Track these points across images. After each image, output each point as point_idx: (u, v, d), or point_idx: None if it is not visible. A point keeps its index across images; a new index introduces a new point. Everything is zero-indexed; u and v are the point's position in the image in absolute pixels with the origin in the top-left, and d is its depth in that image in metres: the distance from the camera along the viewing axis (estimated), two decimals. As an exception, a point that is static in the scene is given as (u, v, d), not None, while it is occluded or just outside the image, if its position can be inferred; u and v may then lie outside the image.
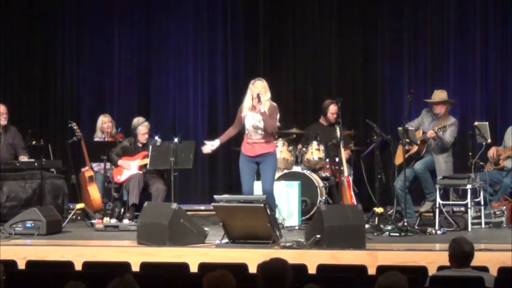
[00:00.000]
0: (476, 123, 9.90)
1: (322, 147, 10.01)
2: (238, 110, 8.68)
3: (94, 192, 10.26)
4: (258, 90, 8.45)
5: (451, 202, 9.44)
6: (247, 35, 11.86)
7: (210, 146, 8.70)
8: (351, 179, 10.01)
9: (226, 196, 8.34)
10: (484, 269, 5.89)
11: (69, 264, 6.61)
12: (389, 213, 9.62)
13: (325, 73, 11.69)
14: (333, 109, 10.47)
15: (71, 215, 9.96)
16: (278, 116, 8.65)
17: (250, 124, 8.49)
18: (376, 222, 8.94)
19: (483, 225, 9.16)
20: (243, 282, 5.18)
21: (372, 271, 6.15)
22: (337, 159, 10.00)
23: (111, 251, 7.89)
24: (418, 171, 9.53)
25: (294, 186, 9.55)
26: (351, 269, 6.39)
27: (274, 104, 8.57)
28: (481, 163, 9.84)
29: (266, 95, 8.48)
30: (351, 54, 11.61)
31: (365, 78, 11.57)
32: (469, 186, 9.06)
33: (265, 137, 8.48)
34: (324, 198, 9.82)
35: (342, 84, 11.56)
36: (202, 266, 6.34)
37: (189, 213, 8.72)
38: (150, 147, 9.81)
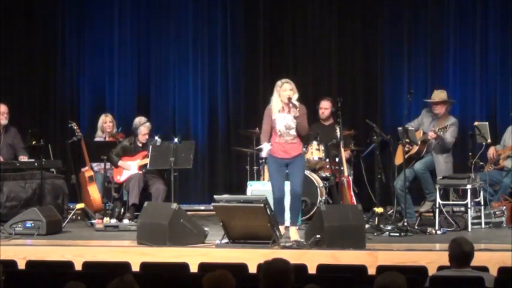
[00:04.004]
0: (476, 123, 9.90)
1: (322, 147, 10.00)
2: (266, 113, 8.37)
3: (94, 192, 10.26)
4: (288, 93, 8.20)
5: (451, 202, 9.43)
6: (247, 34, 11.86)
7: (266, 150, 8.36)
8: (351, 179, 10.01)
9: (226, 196, 8.34)
10: (484, 269, 5.89)
11: (69, 264, 6.61)
12: (389, 213, 9.63)
13: (325, 73, 11.69)
14: (322, 104, 10.52)
15: (71, 215, 9.96)
16: None
17: (282, 125, 8.25)
18: (376, 222, 8.94)
19: (483, 225, 9.16)
20: (243, 282, 5.18)
21: (372, 271, 6.15)
22: (337, 159, 10.00)
23: (111, 251, 7.89)
24: (418, 171, 9.53)
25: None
26: (351, 269, 6.39)
27: (302, 105, 8.32)
28: (481, 163, 9.84)
29: (294, 96, 8.25)
30: (351, 54, 11.61)
31: (365, 78, 11.57)
32: (469, 186, 9.06)
33: (296, 137, 8.30)
34: (324, 198, 9.81)
35: (342, 84, 11.57)
36: (202, 266, 6.34)
37: (189, 213, 8.72)
38: (150, 147, 9.81)
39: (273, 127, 8.31)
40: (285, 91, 8.23)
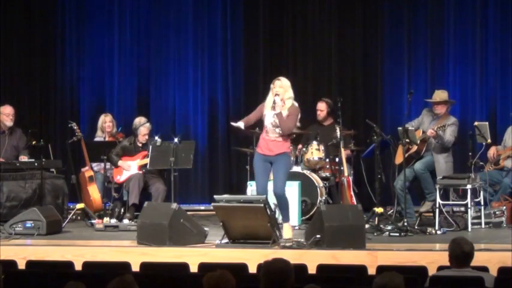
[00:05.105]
0: (476, 123, 9.90)
1: (322, 147, 10.02)
2: (261, 105, 8.52)
3: (94, 192, 10.26)
4: (276, 90, 8.31)
5: (451, 202, 9.43)
6: (247, 35, 11.87)
7: (236, 124, 8.50)
8: (351, 179, 10.01)
9: (226, 196, 8.34)
10: (484, 269, 5.89)
11: (69, 264, 6.62)
12: (389, 213, 9.62)
13: (325, 73, 11.70)
14: (318, 106, 10.57)
15: (71, 215, 9.96)
16: (299, 117, 8.54)
17: (269, 122, 8.35)
18: (376, 222, 8.94)
19: (483, 225, 9.16)
20: (243, 282, 5.19)
21: (372, 271, 6.15)
22: (337, 159, 10.01)
23: (111, 251, 7.89)
24: (418, 171, 9.52)
25: (294, 186, 9.53)
26: (351, 269, 6.40)
27: (296, 104, 8.42)
28: (481, 163, 9.85)
29: (286, 94, 8.32)
30: (351, 54, 11.61)
31: (365, 78, 11.57)
32: (469, 186, 9.06)
33: (282, 135, 8.35)
34: (324, 198, 9.82)
35: (342, 84, 11.57)
36: (202, 266, 6.34)
37: (189, 213, 8.71)
38: (150, 147, 9.81)
39: (262, 122, 8.45)
40: (274, 88, 8.35)
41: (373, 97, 11.54)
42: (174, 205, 8.24)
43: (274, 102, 8.29)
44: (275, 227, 7.98)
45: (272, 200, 8.52)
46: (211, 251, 7.83)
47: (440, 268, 5.85)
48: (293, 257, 6.98)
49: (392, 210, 9.77)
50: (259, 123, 8.80)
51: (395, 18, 11.47)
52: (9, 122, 10.36)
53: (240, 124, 8.50)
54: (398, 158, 9.61)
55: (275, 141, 8.36)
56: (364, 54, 11.57)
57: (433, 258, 7.02)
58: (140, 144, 10.32)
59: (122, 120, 11.33)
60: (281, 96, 8.30)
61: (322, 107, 10.57)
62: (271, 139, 8.37)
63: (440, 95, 9.72)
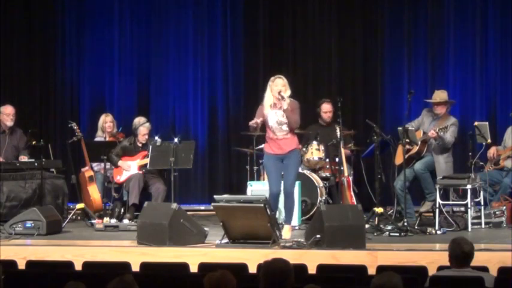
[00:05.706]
0: (476, 123, 9.90)
1: (322, 147, 10.01)
2: (259, 108, 8.58)
3: (94, 192, 10.26)
4: (279, 88, 8.39)
5: (451, 202, 9.44)
6: (247, 35, 11.87)
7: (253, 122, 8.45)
8: (351, 179, 10.01)
9: (226, 196, 8.35)
10: (484, 269, 5.89)
11: (69, 264, 6.62)
12: (389, 213, 9.62)
13: (325, 73, 11.70)
14: (325, 108, 10.52)
15: (71, 215, 9.96)
16: (299, 111, 8.60)
17: (274, 121, 8.43)
18: (376, 222, 8.94)
19: (483, 225, 9.16)
20: (243, 282, 5.19)
21: (372, 271, 6.15)
22: (337, 159, 10.00)
23: (111, 251, 7.89)
24: (418, 171, 9.53)
25: (294, 186, 9.51)
26: (351, 269, 6.40)
27: (295, 100, 8.53)
28: (481, 163, 9.85)
29: (286, 93, 8.43)
30: (351, 54, 11.61)
31: (365, 78, 11.58)
32: (469, 186, 9.06)
33: (289, 132, 8.45)
34: (324, 198, 9.82)
35: (342, 84, 11.57)
36: (202, 266, 6.35)
37: (189, 213, 8.71)
38: (150, 147, 9.81)
39: (266, 123, 8.46)
40: (276, 86, 8.40)
41: (373, 97, 11.54)
42: (174, 205, 8.24)
43: (282, 99, 8.31)
44: (275, 227, 7.98)
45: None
46: (211, 251, 7.83)
47: (440, 268, 5.85)
48: (293, 257, 6.98)
49: (392, 210, 9.78)
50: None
51: (395, 18, 11.47)
52: (9, 122, 10.37)
53: (257, 121, 8.45)
54: (398, 158, 9.60)
55: (284, 139, 8.45)
56: (364, 54, 11.57)
57: (433, 258, 7.02)
58: (140, 144, 10.32)
59: (121, 120, 11.32)
60: (283, 93, 8.38)
61: (330, 108, 10.45)
62: (279, 138, 8.45)
63: (440, 95, 9.72)
